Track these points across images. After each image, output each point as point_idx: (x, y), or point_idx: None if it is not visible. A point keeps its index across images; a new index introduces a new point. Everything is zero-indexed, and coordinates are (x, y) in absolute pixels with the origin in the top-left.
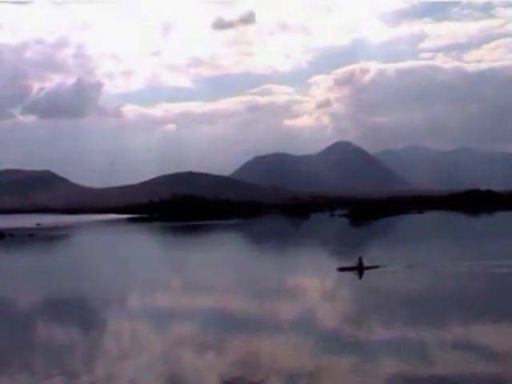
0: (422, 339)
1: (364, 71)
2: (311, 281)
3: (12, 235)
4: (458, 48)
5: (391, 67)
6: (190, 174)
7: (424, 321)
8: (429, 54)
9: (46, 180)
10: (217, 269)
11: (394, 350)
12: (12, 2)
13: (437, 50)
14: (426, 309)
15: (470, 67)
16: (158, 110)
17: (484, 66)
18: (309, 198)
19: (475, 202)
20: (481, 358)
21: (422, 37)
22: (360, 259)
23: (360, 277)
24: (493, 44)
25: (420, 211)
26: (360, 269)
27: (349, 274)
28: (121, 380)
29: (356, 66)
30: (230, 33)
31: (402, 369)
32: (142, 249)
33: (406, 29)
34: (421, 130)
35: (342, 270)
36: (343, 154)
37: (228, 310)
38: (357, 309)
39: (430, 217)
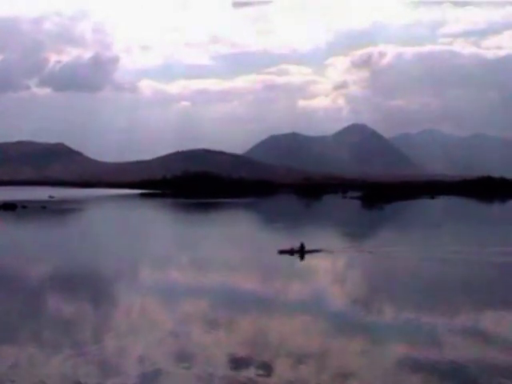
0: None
1: (382, 54)
2: (320, 262)
3: (24, 207)
4: (478, 34)
5: (409, 51)
6: (204, 151)
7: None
8: (448, 39)
9: (60, 153)
10: (227, 247)
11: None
12: None
13: (456, 36)
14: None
15: (489, 53)
16: (174, 87)
17: (503, 52)
18: (322, 179)
19: (488, 188)
20: (485, 344)
21: (441, 21)
22: (302, 243)
23: (301, 260)
24: None
25: (432, 196)
26: (301, 252)
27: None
28: (130, 355)
29: (374, 49)
30: (249, 11)
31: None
32: (153, 224)
33: (426, 13)
34: (437, 115)
35: (282, 252)
36: (358, 136)
37: (237, 288)
38: (361, 290)
39: (442, 202)
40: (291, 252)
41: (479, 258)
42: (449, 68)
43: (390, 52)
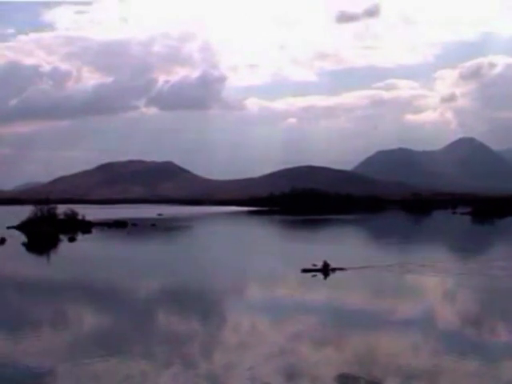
0: None
1: (492, 65)
2: (431, 280)
3: (135, 224)
4: None
5: None
6: (311, 168)
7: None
8: None
9: (169, 171)
10: (334, 264)
11: None
12: None
13: None
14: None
15: None
16: (280, 104)
17: None
18: (430, 194)
19: None
20: None
21: None
22: (325, 261)
23: (325, 278)
24: None
25: None
26: (325, 270)
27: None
28: (239, 370)
29: (484, 60)
30: (354, 26)
31: None
32: (261, 241)
33: None
34: None
35: (305, 271)
36: (467, 150)
37: (344, 305)
38: (477, 310)
39: None
40: (315, 270)
41: None
42: None
43: (500, 63)
